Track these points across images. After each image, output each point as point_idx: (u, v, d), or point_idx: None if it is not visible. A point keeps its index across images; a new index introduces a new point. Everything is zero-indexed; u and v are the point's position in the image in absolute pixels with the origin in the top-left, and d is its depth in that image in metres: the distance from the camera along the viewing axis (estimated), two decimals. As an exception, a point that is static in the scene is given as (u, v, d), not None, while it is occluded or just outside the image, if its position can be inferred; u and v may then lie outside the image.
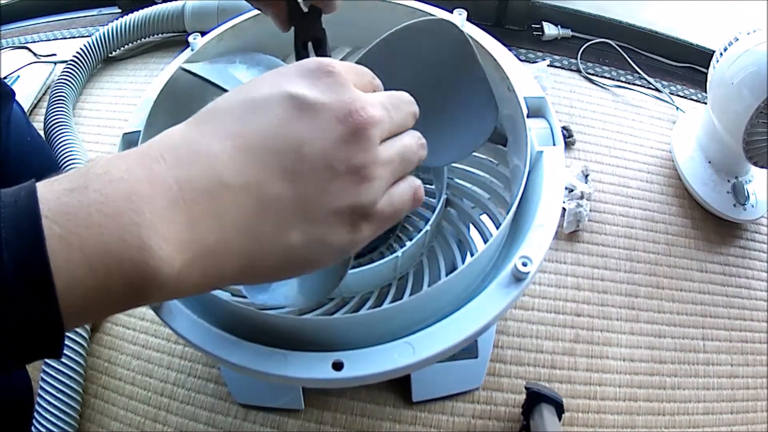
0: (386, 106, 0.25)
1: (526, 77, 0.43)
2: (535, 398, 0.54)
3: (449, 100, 0.39)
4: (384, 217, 0.25)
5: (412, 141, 0.26)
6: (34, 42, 1.02)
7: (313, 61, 0.24)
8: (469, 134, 0.40)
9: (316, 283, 0.33)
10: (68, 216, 0.17)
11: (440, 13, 0.46)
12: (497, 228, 0.44)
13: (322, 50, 0.36)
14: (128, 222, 0.18)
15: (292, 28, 0.37)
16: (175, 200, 0.19)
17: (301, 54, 0.36)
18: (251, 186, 0.21)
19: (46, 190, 0.18)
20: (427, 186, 0.50)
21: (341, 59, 0.50)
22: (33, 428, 0.54)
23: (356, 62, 0.35)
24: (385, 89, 0.28)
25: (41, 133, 0.78)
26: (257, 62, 0.44)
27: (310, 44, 0.37)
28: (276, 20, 0.36)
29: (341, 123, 0.22)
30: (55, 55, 0.97)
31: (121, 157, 0.20)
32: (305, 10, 0.36)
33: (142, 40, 0.97)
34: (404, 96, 0.27)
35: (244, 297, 0.43)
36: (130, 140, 0.43)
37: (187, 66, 0.43)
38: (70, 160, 0.72)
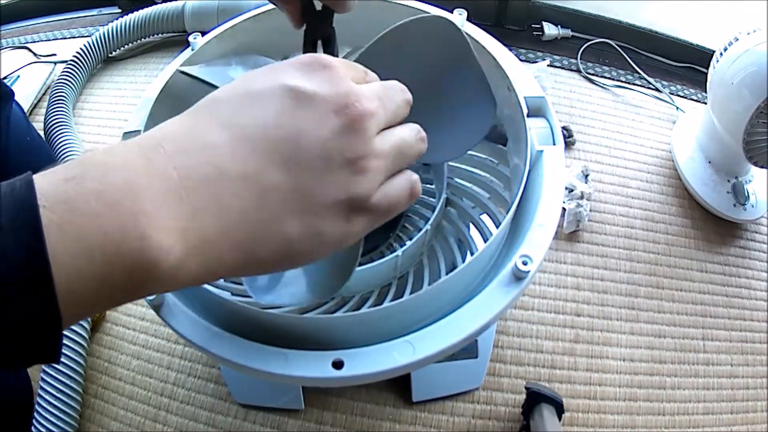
0: (380, 96, 0.25)
1: (526, 77, 0.43)
2: (535, 398, 0.54)
3: (447, 97, 0.39)
4: (379, 211, 0.25)
5: (411, 134, 0.26)
6: (34, 42, 1.02)
7: (308, 56, 0.24)
8: (467, 131, 0.40)
9: (326, 279, 0.33)
10: (66, 205, 0.17)
11: (440, 13, 0.46)
12: (497, 227, 0.44)
13: (330, 49, 0.37)
14: (127, 211, 0.18)
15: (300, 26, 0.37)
16: (175, 189, 0.19)
17: (308, 51, 0.36)
18: (250, 175, 0.21)
19: (44, 180, 0.18)
20: (427, 185, 0.50)
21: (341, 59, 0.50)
22: (33, 428, 0.54)
23: (354, 61, 0.36)
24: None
25: (41, 133, 0.78)
26: (253, 64, 0.44)
27: (319, 43, 0.37)
28: (290, 17, 0.36)
29: (338, 115, 0.22)
30: (55, 55, 0.97)
31: (119, 147, 0.20)
32: (318, 8, 0.36)
33: (142, 40, 0.97)
34: (394, 84, 0.27)
35: (245, 296, 0.43)
36: (130, 140, 0.43)
37: (185, 68, 0.43)
38: (71, 160, 0.72)
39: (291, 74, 0.23)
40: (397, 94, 0.26)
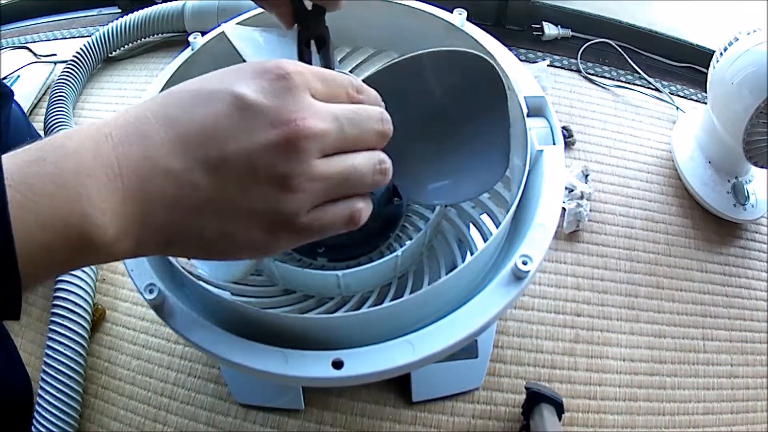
0: (340, 119, 0.24)
1: (526, 77, 0.43)
2: (535, 398, 0.54)
3: (463, 139, 0.38)
4: (307, 231, 0.24)
5: (367, 164, 0.25)
6: (34, 42, 1.02)
7: (273, 63, 0.24)
8: (471, 180, 0.39)
9: (223, 268, 0.35)
10: (28, 185, 0.20)
11: (443, 14, 0.46)
12: (497, 227, 0.44)
13: (325, 48, 0.36)
14: (74, 193, 0.20)
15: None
16: (113, 176, 0.21)
17: (303, 52, 0.36)
18: (175, 171, 0.22)
19: (10, 161, 0.20)
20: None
21: (341, 59, 0.50)
22: (33, 428, 0.54)
23: (381, 68, 0.35)
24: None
25: (41, 133, 0.78)
26: None
27: (313, 42, 0.37)
28: (280, 18, 0.36)
29: (274, 129, 0.22)
30: (55, 55, 0.97)
31: (78, 132, 0.22)
32: (309, 8, 0.36)
33: (142, 40, 0.97)
34: (372, 112, 0.26)
35: (245, 296, 0.43)
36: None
37: (228, 30, 0.43)
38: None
39: (244, 81, 0.23)
40: (368, 121, 0.25)
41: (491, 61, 0.35)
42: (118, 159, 0.21)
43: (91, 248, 0.21)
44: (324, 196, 0.24)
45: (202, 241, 0.24)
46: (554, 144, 0.41)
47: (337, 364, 0.32)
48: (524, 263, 0.34)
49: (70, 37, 1.03)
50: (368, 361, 0.32)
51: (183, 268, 0.36)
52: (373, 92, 0.27)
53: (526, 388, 0.54)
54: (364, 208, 0.26)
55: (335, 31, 0.37)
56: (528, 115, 0.40)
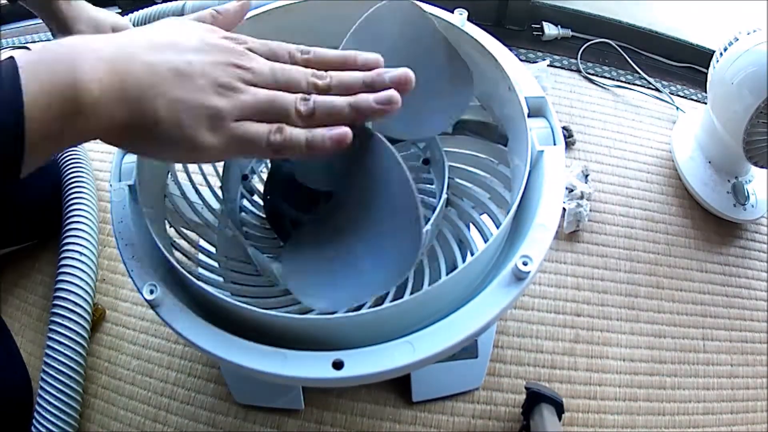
0: (274, 68, 0.32)
1: (527, 77, 0.43)
2: (535, 398, 0.54)
3: (424, 76, 0.40)
4: (231, 134, 0.30)
5: (292, 96, 0.31)
6: (34, 42, 1.02)
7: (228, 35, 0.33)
8: (448, 105, 0.42)
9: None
10: (33, 63, 0.27)
11: (443, 14, 0.46)
12: (498, 228, 0.44)
13: None
14: (69, 66, 0.27)
15: None
16: (102, 57, 0.28)
17: None
18: (151, 64, 0.29)
19: (22, 52, 0.27)
20: (428, 185, 0.50)
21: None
22: (33, 428, 0.54)
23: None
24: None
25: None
26: None
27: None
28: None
29: (225, 54, 0.31)
30: (55, 55, 0.97)
31: (73, 36, 0.30)
32: None
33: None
34: (305, 72, 0.33)
35: (245, 297, 0.43)
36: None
37: None
38: (71, 159, 0.72)
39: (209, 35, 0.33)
40: (297, 73, 0.33)
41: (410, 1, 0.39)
42: (109, 48, 0.29)
43: (79, 108, 0.27)
44: (252, 111, 0.30)
45: (157, 121, 0.29)
46: (555, 144, 0.41)
47: (337, 365, 0.32)
48: (525, 264, 0.34)
49: (70, 37, 1.03)
50: (368, 362, 0.32)
51: (183, 268, 0.36)
52: (322, 51, 0.34)
53: (526, 388, 0.54)
54: (294, 131, 0.31)
55: (333, 33, 0.37)
56: (528, 116, 0.40)
